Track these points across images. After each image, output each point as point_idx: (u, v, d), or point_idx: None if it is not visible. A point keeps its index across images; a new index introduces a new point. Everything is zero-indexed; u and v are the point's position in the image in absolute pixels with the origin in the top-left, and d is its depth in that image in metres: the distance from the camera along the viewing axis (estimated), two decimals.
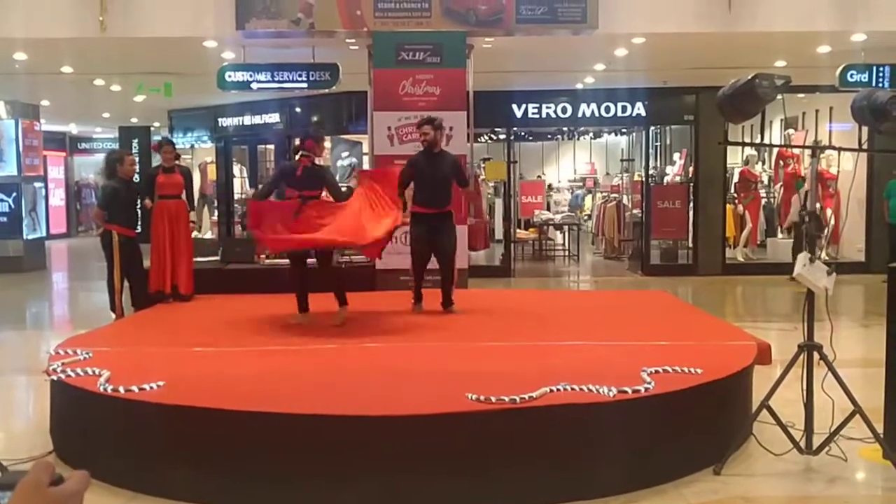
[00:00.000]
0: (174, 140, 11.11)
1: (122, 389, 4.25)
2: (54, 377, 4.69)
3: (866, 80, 9.85)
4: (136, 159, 7.93)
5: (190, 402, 4.13)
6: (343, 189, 6.79)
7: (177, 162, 7.97)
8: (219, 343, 5.75)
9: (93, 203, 24.75)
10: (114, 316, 7.65)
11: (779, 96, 4.43)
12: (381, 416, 3.99)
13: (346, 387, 4.53)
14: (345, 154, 15.73)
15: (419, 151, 6.85)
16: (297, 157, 6.27)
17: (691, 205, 13.65)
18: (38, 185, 16.01)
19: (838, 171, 13.40)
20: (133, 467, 4.20)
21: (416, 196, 6.70)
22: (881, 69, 9.91)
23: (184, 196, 7.82)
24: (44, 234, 16.42)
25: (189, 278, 7.69)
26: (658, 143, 15.60)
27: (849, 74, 9.89)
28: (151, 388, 4.27)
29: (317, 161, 6.37)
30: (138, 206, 7.70)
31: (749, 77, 4.35)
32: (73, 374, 4.62)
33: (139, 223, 7.78)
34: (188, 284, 7.66)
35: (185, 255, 7.64)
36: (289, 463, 3.94)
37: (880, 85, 9.82)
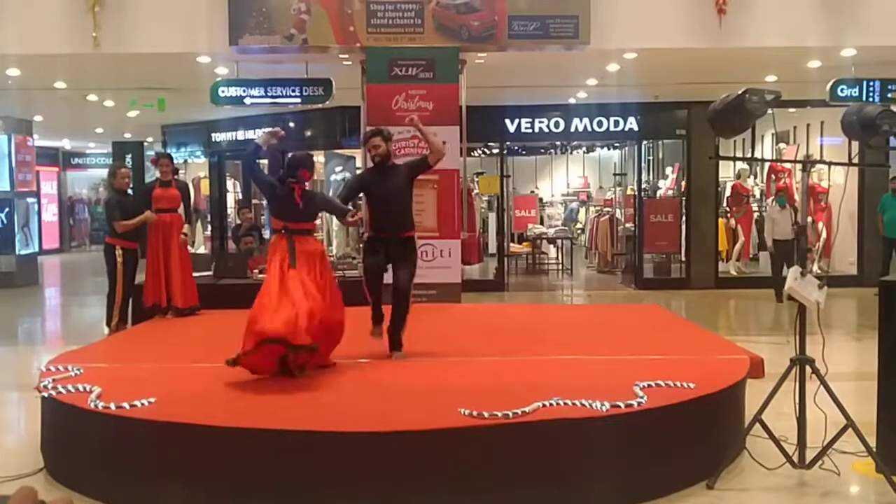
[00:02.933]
0: (169, 154, 11.12)
1: (112, 406, 4.23)
2: (45, 394, 4.67)
3: (856, 94, 9.92)
4: (130, 173, 7.95)
5: (181, 418, 4.11)
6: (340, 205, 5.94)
7: (175, 176, 8.00)
8: (211, 359, 5.71)
9: (86, 218, 24.75)
10: (107, 331, 7.63)
11: (769, 111, 4.45)
12: (373, 431, 3.97)
13: (339, 403, 4.52)
14: (338, 169, 15.76)
15: (369, 168, 6.25)
16: (287, 181, 5.41)
17: (684, 219, 13.69)
18: (30, 200, 15.99)
19: (829, 185, 13.47)
20: (124, 484, 4.18)
21: (371, 219, 5.91)
22: (871, 84, 9.98)
23: (181, 210, 7.85)
24: (36, 249, 16.38)
25: (188, 291, 7.68)
26: (650, 158, 15.67)
27: (839, 89, 9.95)
28: (142, 404, 4.25)
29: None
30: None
31: (739, 92, 4.38)
32: (63, 391, 4.60)
33: (137, 236, 7.79)
34: (185, 297, 7.64)
35: (178, 269, 7.63)
36: (280, 479, 3.91)
37: (870, 99, 9.88)
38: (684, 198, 13.81)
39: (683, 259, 13.83)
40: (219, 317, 7.62)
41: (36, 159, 16.51)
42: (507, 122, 13.79)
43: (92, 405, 4.30)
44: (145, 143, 19.23)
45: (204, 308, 7.78)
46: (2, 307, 12.56)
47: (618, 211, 15.86)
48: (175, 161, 8.54)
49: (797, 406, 4.38)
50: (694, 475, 4.34)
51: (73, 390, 4.59)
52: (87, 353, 6.02)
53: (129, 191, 7.93)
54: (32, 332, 11.56)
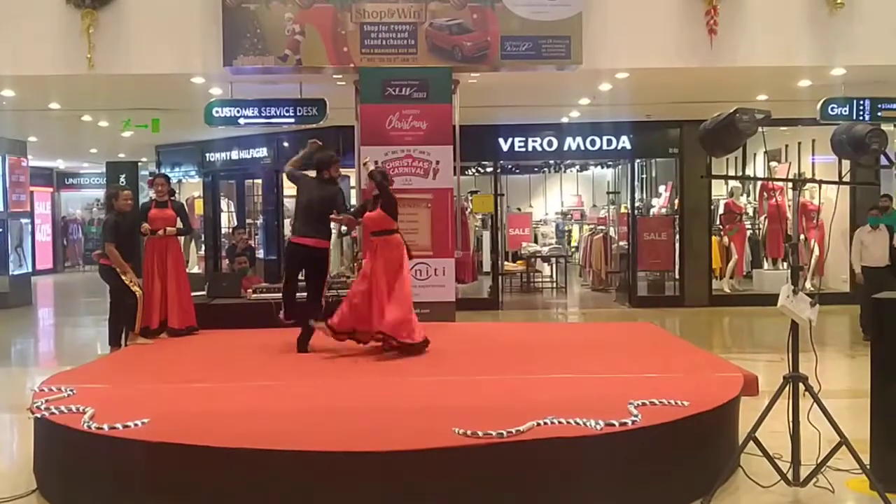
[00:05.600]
0: (165, 174, 11.10)
1: (106, 427, 4.22)
2: (38, 415, 4.65)
3: (847, 113, 9.98)
4: (132, 196, 7.90)
5: (174, 438, 4.09)
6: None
7: (171, 197, 7.99)
8: (204, 379, 5.72)
9: (79, 238, 24.69)
10: (127, 341, 7.53)
11: (759, 130, 4.48)
12: (367, 451, 3.97)
13: (333, 422, 4.51)
14: None
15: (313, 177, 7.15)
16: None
17: (677, 236, 13.74)
18: (24, 220, 15.98)
19: (821, 203, 13.53)
20: None
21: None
22: (861, 102, 10.04)
23: (176, 229, 7.83)
24: (30, 269, 16.35)
25: (185, 311, 7.66)
26: (644, 176, 15.73)
27: (829, 108, 10.02)
28: (136, 425, 4.24)
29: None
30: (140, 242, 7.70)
31: (729, 112, 4.41)
32: (56, 412, 4.58)
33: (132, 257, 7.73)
34: (181, 318, 7.61)
35: (175, 289, 7.60)
36: (274, 500, 3.90)
37: (861, 118, 9.94)
38: (678, 216, 13.87)
39: (677, 277, 13.87)
40: (212, 336, 7.61)
41: (30, 180, 16.51)
42: (501, 141, 13.86)
43: (85, 426, 4.28)
44: (139, 164, 19.27)
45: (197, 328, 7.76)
46: None
47: (611, 229, 15.90)
48: (171, 182, 8.51)
49: (791, 424, 4.39)
50: (689, 493, 4.33)
51: (66, 411, 4.57)
52: (80, 374, 6.00)
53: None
54: (25, 352, 11.52)
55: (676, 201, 14.05)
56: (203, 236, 17.56)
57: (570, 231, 19.69)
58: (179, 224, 7.89)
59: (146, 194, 8.46)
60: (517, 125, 13.68)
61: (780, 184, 13.81)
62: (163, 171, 17.13)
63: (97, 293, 7.80)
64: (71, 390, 5.04)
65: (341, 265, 14.89)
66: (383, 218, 6.62)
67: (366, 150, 8.97)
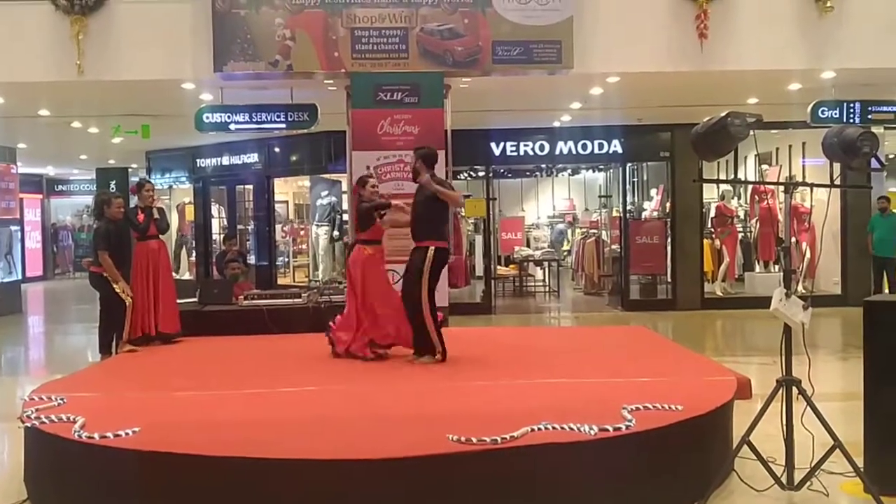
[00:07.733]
0: (151, 181, 11.06)
1: (97, 436, 4.18)
2: (28, 424, 4.61)
3: (837, 115, 10.03)
4: (123, 203, 7.85)
5: (166, 447, 4.06)
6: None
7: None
8: (196, 387, 5.69)
9: (69, 245, 24.58)
10: (114, 351, 7.48)
11: (751, 133, 4.48)
12: (361, 459, 3.94)
13: (326, 430, 4.48)
14: (324, 193, 15.77)
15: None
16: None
17: (669, 240, 13.76)
18: (14, 227, 15.90)
19: (812, 205, 13.58)
20: None
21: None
22: (852, 105, 10.09)
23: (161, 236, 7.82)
24: (20, 277, 16.27)
25: (174, 317, 7.62)
26: (635, 180, 15.76)
27: (820, 111, 10.06)
28: (127, 434, 4.21)
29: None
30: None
31: (721, 116, 4.40)
32: (47, 421, 4.54)
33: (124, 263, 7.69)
34: (172, 323, 7.58)
35: (169, 294, 7.57)
36: None
37: (851, 120, 9.99)
38: (669, 219, 13.89)
39: (669, 280, 13.89)
40: (204, 344, 7.57)
41: (19, 186, 16.44)
42: (493, 145, 13.87)
43: (76, 435, 4.24)
44: (129, 170, 19.22)
45: (189, 335, 7.71)
46: None
47: (604, 233, 15.92)
48: (159, 187, 8.49)
49: (784, 427, 4.38)
50: (683, 497, 4.32)
51: (56, 420, 4.53)
52: (71, 383, 5.95)
53: None
54: (15, 361, 11.44)
55: (668, 205, 14.08)
56: (194, 242, 17.50)
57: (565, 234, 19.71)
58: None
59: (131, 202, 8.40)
60: (509, 129, 13.70)
61: (772, 187, 13.84)
62: (153, 177, 17.12)
63: (87, 300, 7.75)
64: (62, 399, 5.00)
65: (333, 271, 14.88)
66: None
67: (358, 155, 8.97)
